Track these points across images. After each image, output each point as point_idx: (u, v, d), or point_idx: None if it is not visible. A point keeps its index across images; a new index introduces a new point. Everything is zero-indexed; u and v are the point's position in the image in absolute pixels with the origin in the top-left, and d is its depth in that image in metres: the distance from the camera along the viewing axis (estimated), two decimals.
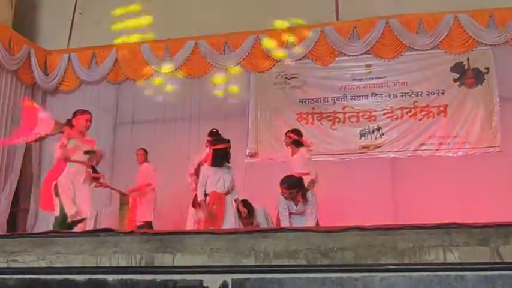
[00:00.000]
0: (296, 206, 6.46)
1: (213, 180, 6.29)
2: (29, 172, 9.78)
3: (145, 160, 8.52)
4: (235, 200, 6.36)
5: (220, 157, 6.37)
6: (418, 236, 2.93)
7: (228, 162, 6.45)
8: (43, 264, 3.17)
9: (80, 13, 10.26)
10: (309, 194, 6.54)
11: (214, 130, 7.21)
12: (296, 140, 7.20)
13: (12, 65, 9.30)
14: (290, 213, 6.49)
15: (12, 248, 3.28)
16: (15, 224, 9.39)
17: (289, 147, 7.26)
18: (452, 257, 2.82)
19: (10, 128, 9.26)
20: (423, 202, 7.72)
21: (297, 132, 7.35)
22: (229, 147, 6.47)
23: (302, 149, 7.16)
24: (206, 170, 6.39)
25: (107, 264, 3.10)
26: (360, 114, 8.87)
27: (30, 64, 9.66)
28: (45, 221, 9.30)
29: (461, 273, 2.69)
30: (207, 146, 7.01)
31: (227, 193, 6.30)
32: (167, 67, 9.54)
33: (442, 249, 2.86)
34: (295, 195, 6.41)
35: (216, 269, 2.93)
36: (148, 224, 8.06)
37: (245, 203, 6.70)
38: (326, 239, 2.96)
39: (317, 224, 6.39)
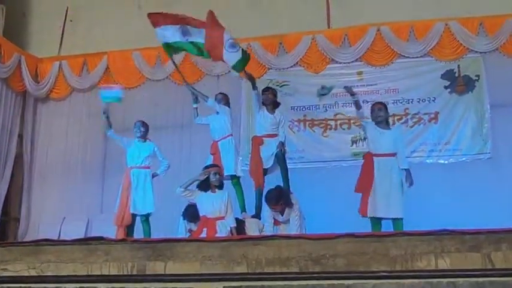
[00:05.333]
0: (282, 215, 6.44)
1: (205, 203, 6.18)
2: (19, 181, 9.70)
3: None
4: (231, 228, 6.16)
5: (206, 182, 6.22)
6: (410, 242, 2.94)
7: (218, 188, 6.26)
8: (33, 272, 3.15)
9: (71, 20, 10.25)
10: (293, 201, 6.50)
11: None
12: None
13: (3, 73, 9.24)
14: (277, 222, 6.47)
15: (3, 257, 3.25)
16: (5, 233, 9.31)
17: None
18: (444, 264, 2.83)
19: (1, 136, 9.21)
20: (414, 209, 7.71)
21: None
22: (216, 172, 6.27)
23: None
24: (198, 193, 6.23)
25: (98, 273, 3.08)
26: (352, 121, 8.85)
27: (20, 72, 9.60)
28: (36, 230, 9.25)
29: (453, 279, 2.69)
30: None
31: (218, 218, 6.12)
32: (158, 74, 9.53)
33: (434, 255, 2.86)
34: (283, 208, 6.39)
35: (208, 276, 2.92)
36: None
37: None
38: (318, 246, 2.96)
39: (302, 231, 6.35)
